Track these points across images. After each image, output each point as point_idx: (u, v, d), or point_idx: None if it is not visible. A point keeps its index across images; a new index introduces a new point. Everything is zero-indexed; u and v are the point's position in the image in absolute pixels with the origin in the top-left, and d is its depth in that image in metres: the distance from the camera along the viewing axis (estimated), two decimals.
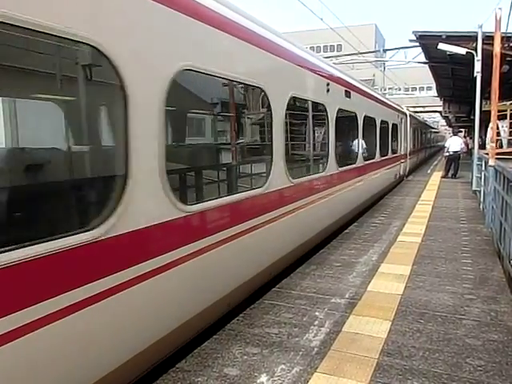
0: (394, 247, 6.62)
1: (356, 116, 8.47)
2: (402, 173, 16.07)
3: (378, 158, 10.93)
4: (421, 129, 25.71)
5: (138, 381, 3.04)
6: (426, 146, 31.57)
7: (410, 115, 19.19)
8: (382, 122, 11.32)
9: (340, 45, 51.35)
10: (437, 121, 60.06)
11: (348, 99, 7.77)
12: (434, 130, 43.45)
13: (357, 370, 3.16)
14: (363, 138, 9.07)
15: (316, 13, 20.04)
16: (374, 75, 46.58)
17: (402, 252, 6.36)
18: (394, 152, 13.64)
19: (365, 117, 9.05)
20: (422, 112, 41.29)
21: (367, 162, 9.63)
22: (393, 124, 13.21)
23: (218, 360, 3.33)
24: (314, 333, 3.76)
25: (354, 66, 30.57)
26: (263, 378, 3.08)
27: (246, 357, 3.37)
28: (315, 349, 3.48)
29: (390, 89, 45.07)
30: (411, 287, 4.87)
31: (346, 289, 4.82)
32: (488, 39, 11.60)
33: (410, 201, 11.32)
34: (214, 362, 3.29)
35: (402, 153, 16.06)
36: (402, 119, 15.85)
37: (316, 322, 3.96)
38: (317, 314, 4.16)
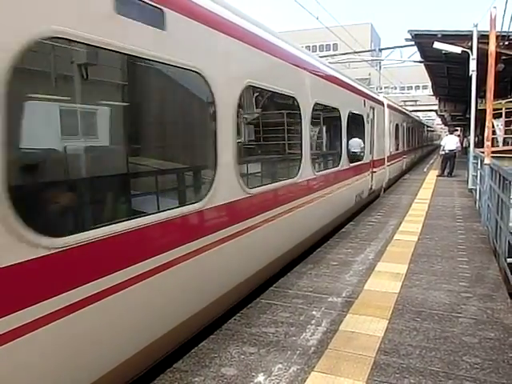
0: (390, 246, 6.64)
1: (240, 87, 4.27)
2: (375, 187, 11.15)
3: (307, 174, 6.04)
4: (408, 125, 20.09)
5: (134, 381, 3.03)
6: (416, 147, 25.16)
7: (390, 106, 14.33)
8: (319, 107, 6.66)
9: (336, 44, 51.52)
10: (433, 119, 60.29)
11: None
12: (428, 128, 41.78)
13: (354, 369, 3.16)
14: (271, 139, 5.71)
15: (311, 12, 19.98)
16: (369, 74, 46.78)
17: (399, 250, 6.37)
18: (354, 159, 8.88)
19: (274, 95, 5.31)
20: (417, 111, 41.34)
21: (284, 184, 5.37)
22: (351, 115, 8.46)
23: (215, 360, 3.32)
24: (311, 332, 3.76)
25: (349, 65, 30.66)
26: (260, 377, 3.08)
27: (243, 356, 3.36)
28: (312, 348, 3.48)
29: (385, 87, 45.23)
30: (408, 285, 4.88)
31: (342, 288, 4.83)
32: (483, 38, 11.64)
33: (407, 199, 11.34)
34: (211, 362, 3.29)
35: (376, 158, 11.21)
36: (373, 110, 10.91)
37: (313, 321, 3.96)
38: (314, 313, 4.16)
